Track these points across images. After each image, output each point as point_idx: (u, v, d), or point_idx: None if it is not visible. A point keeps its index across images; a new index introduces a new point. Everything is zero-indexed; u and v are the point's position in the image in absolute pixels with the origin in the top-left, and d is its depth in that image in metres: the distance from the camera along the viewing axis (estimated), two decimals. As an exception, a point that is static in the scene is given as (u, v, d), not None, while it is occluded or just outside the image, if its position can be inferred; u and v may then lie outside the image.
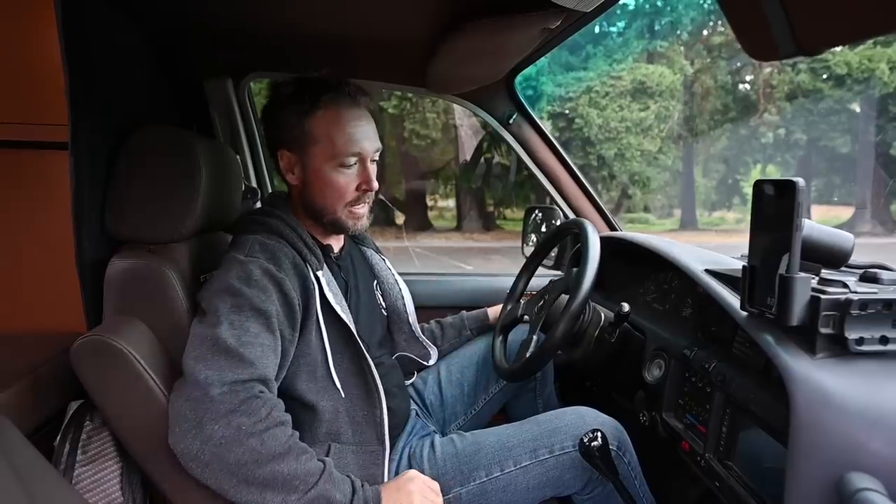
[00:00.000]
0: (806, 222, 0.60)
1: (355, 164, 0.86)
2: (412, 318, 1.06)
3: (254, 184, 1.48)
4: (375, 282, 1.05)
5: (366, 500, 0.71)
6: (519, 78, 1.36)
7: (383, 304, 1.05)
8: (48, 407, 0.78)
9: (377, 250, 1.10)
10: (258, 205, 1.45)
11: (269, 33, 1.12)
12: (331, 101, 0.84)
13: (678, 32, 10.60)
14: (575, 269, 0.93)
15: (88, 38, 0.81)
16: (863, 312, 0.57)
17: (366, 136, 0.86)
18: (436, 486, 0.79)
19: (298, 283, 0.81)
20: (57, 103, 0.79)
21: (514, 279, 1.19)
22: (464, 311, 1.23)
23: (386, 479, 0.83)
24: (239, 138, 1.41)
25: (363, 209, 0.89)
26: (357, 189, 0.87)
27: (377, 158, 0.90)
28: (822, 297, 0.58)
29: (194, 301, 0.85)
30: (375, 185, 0.87)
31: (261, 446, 0.66)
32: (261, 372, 0.71)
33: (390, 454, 0.86)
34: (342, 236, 0.98)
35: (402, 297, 1.06)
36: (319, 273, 0.84)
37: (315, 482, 0.68)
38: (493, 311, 1.21)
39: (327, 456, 0.81)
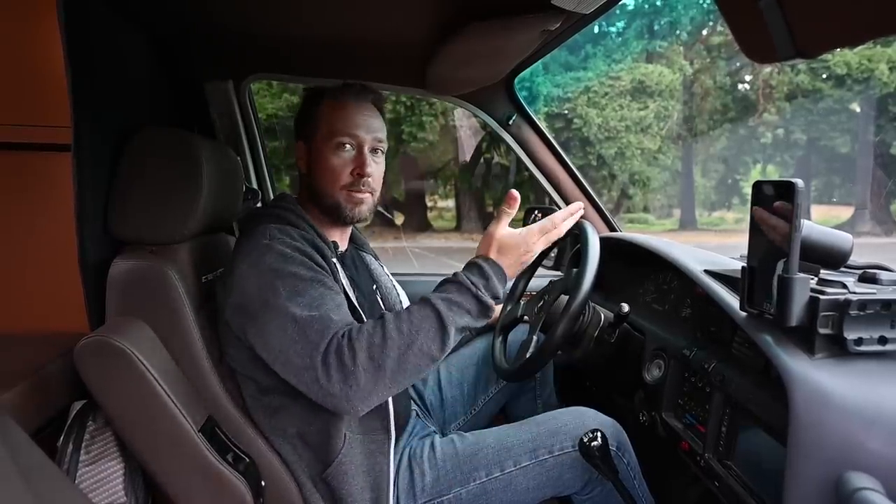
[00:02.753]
0: (805, 223, 0.60)
1: (351, 148, 0.89)
2: None
3: (254, 185, 1.48)
4: (375, 286, 1.06)
5: (494, 294, 0.77)
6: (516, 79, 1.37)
7: (383, 307, 1.05)
8: (51, 407, 0.78)
9: (375, 255, 1.11)
10: (259, 205, 1.46)
11: (270, 35, 1.12)
12: (336, 92, 0.91)
13: (677, 32, 10.60)
14: (574, 270, 0.93)
15: (90, 41, 0.82)
16: (861, 313, 0.57)
17: (363, 125, 0.89)
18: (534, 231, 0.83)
19: (322, 259, 0.83)
20: (59, 105, 0.79)
21: (513, 280, 1.19)
22: None
23: (391, 467, 0.83)
24: (240, 139, 1.42)
25: (362, 196, 0.90)
26: (352, 173, 0.89)
27: (381, 149, 0.92)
28: (821, 297, 0.58)
29: (196, 302, 0.85)
30: (368, 170, 0.89)
31: (382, 358, 0.70)
32: (344, 319, 0.75)
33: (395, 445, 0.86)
34: (347, 235, 0.99)
35: (401, 303, 1.07)
36: (334, 260, 0.86)
37: (441, 344, 0.73)
38: None
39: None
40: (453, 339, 0.74)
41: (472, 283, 0.76)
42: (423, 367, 0.73)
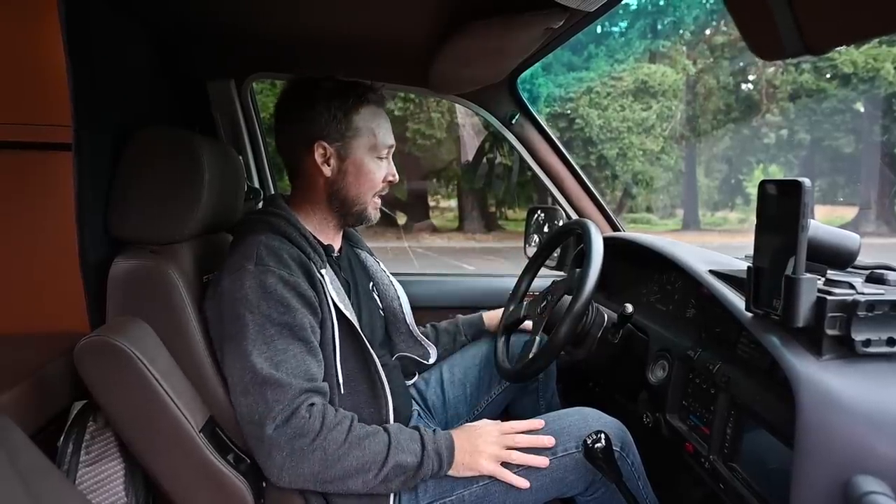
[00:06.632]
0: (812, 222, 0.60)
1: (387, 156, 0.93)
2: (409, 318, 1.06)
3: (256, 184, 1.48)
4: (371, 283, 1.05)
5: (437, 450, 0.78)
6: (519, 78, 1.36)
7: (381, 305, 1.05)
8: (51, 407, 0.78)
9: (370, 252, 1.10)
10: (260, 205, 1.46)
11: (272, 34, 1.12)
12: (374, 99, 0.92)
13: (681, 32, 10.58)
14: (578, 270, 0.93)
15: (91, 40, 0.81)
16: (869, 314, 0.56)
17: (392, 133, 0.94)
18: (509, 425, 0.84)
19: (308, 281, 0.82)
20: (60, 104, 0.79)
21: (514, 280, 1.18)
22: (459, 316, 1.22)
23: None
24: (241, 139, 1.42)
25: (379, 201, 0.95)
26: (384, 180, 0.93)
27: None
28: (829, 298, 0.57)
29: (197, 301, 0.85)
30: (398, 177, 0.95)
31: (324, 455, 0.73)
32: (302, 385, 0.75)
33: None
34: (341, 236, 0.99)
35: (398, 298, 1.06)
36: (323, 271, 0.85)
37: (384, 459, 0.75)
38: (489, 316, 1.19)
39: None
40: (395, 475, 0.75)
41: (422, 436, 0.79)
42: (355, 485, 0.75)
